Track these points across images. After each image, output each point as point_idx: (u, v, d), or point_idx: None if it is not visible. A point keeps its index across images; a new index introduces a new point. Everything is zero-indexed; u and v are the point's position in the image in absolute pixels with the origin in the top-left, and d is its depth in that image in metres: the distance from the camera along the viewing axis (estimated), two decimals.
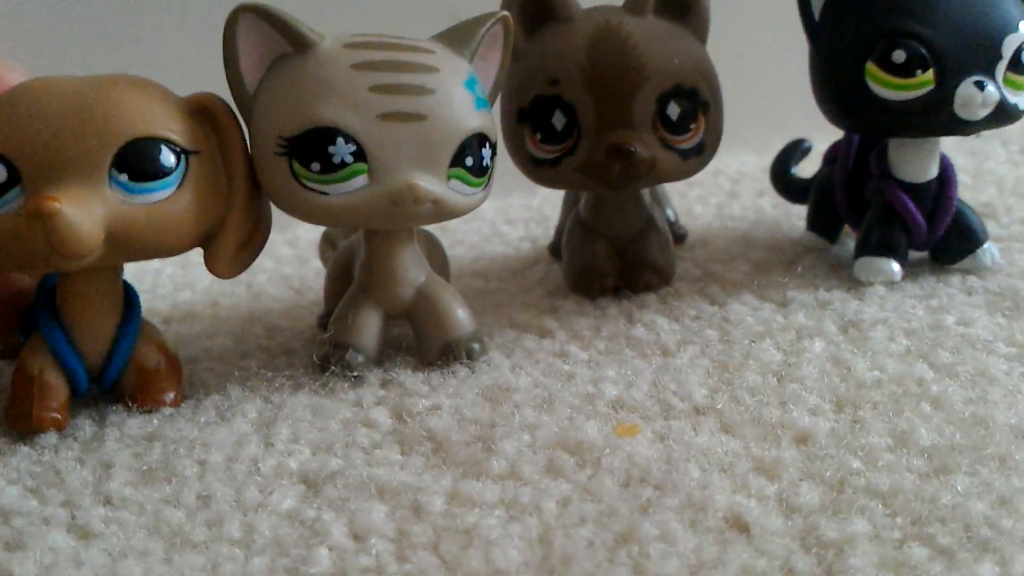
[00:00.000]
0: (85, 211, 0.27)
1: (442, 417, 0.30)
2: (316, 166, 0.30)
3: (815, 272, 0.39)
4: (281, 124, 0.30)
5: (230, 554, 0.25)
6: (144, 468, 0.28)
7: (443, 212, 0.31)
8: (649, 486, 0.26)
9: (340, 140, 0.29)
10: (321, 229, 0.41)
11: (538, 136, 0.36)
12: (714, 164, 0.38)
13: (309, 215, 0.31)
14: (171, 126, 0.29)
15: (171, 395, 0.31)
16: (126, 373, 0.31)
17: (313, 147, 0.30)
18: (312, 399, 0.32)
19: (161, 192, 0.28)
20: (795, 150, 0.45)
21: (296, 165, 0.30)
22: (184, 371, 0.33)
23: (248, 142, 0.31)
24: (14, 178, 0.28)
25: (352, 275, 0.35)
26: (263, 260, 0.45)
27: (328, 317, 0.36)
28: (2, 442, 0.30)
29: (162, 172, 0.28)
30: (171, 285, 0.43)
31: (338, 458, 0.28)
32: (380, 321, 0.33)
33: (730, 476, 0.26)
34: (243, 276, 0.43)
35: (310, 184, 0.30)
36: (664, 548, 0.24)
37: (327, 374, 0.33)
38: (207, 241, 0.30)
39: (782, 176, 0.44)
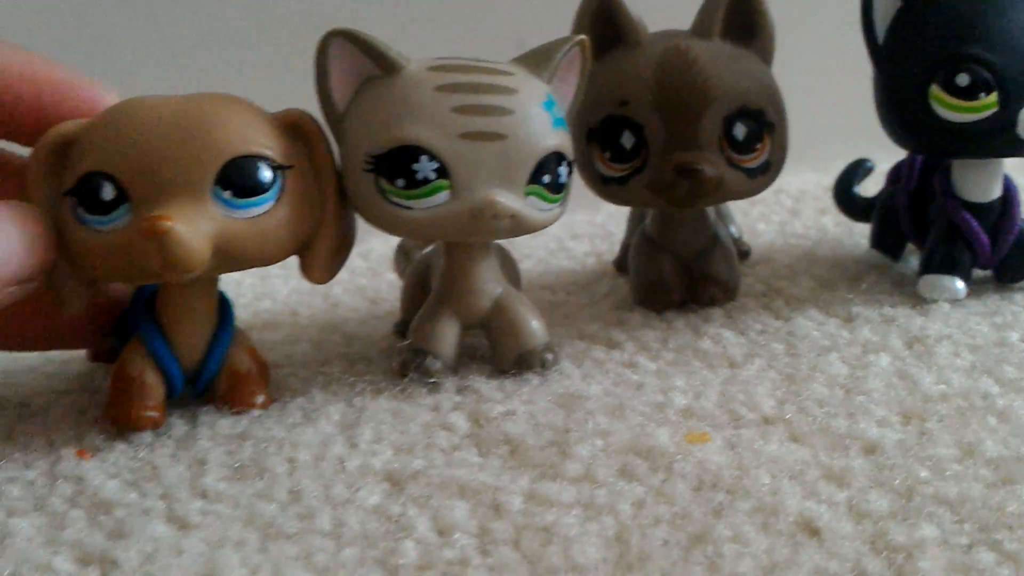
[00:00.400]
0: (194, 228, 0.29)
1: (517, 422, 0.31)
2: (401, 182, 0.31)
3: (879, 288, 0.40)
4: (369, 142, 0.32)
5: (322, 545, 0.26)
6: (236, 465, 0.30)
7: (521, 227, 0.32)
8: (721, 491, 0.27)
9: (424, 158, 0.31)
10: (395, 242, 0.43)
11: (607, 155, 0.37)
12: (776, 183, 0.39)
13: (393, 228, 0.32)
14: (267, 143, 0.30)
15: (261, 398, 0.33)
16: (219, 376, 0.33)
17: (398, 164, 0.31)
18: (392, 403, 0.33)
19: (262, 206, 0.30)
20: (858, 169, 0.46)
21: (382, 181, 0.31)
22: (271, 375, 0.35)
23: (337, 157, 0.32)
24: (121, 196, 0.29)
25: (428, 285, 0.36)
26: (339, 272, 0.47)
27: (404, 325, 0.38)
28: (100, 439, 0.32)
29: (261, 188, 0.30)
30: (251, 295, 0.45)
31: (419, 458, 0.30)
32: (457, 330, 0.35)
33: (800, 483, 0.27)
34: (319, 287, 0.45)
35: (395, 199, 0.31)
36: (738, 549, 0.25)
37: (405, 380, 0.34)
38: (302, 249, 0.32)
39: (845, 195, 0.45)
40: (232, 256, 0.30)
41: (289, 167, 0.31)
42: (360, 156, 0.32)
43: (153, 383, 0.32)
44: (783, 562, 0.24)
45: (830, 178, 0.46)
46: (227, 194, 0.29)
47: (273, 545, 0.26)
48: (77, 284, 0.31)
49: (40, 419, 0.34)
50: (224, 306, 0.33)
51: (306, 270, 0.32)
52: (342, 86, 0.32)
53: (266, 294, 0.45)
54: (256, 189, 0.30)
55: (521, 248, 0.48)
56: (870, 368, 0.33)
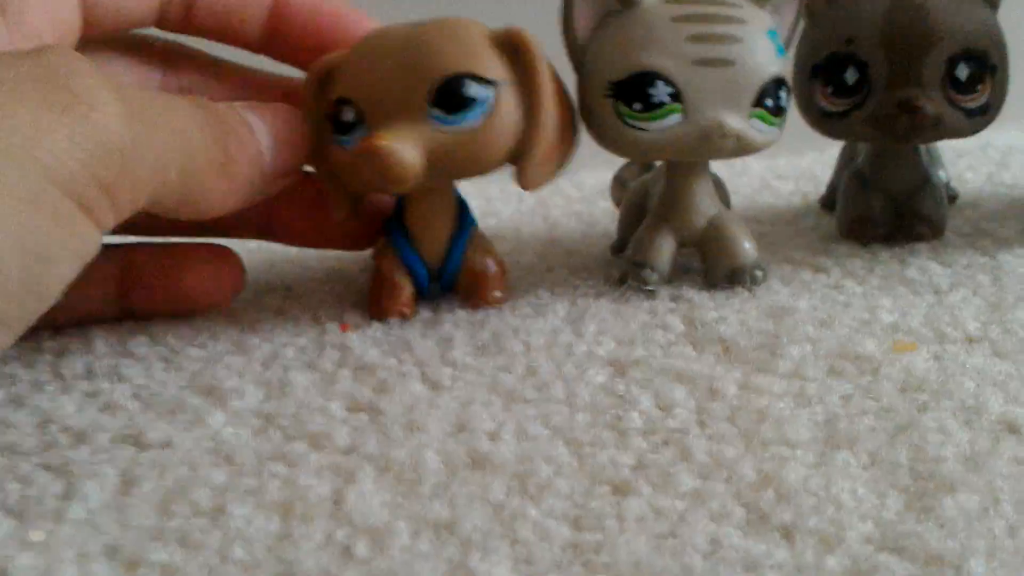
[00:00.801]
0: (409, 144, 0.32)
1: (730, 325, 0.34)
2: (638, 106, 0.34)
3: None
4: (609, 70, 0.35)
5: (557, 410, 0.30)
6: (479, 344, 0.34)
7: (745, 147, 0.35)
8: (925, 392, 0.29)
9: (660, 83, 0.34)
10: (605, 175, 0.46)
11: (829, 90, 0.39)
12: (984, 137, 0.40)
13: (628, 149, 0.36)
14: (477, 62, 0.33)
15: (498, 294, 0.37)
16: (461, 274, 0.37)
17: (636, 89, 0.34)
18: (612, 305, 0.36)
19: (472, 121, 0.33)
20: None
21: (621, 106, 0.35)
22: None
23: (570, 82, 0.35)
24: (359, 118, 0.33)
25: (645, 209, 0.39)
26: (554, 197, 0.51)
27: (621, 245, 0.41)
28: (359, 318, 0.36)
29: (469, 103, 0.33)
30: (478, 213, 0.49)
31: (640, 349, 0.33)
32: (674, 246, 0.37)
33: (1003, 390, 0.29)
34: (539, 209, 0.49)
35: (632, 122, 0.35)
36: (941, 438, 0.27)
37: (623, 288, 0.37)
38: (516, 159, 0.34)
39: None
40: (447, 168, 0.33)
41: (501, 82, 0.33)
42: (601, 83, 0.35)
43: (402, 281, 0.36)
44: (984, 451, 0.26)
45: None
46: (438, 111, 0.32)
47: (515, 406, 0.30)
48: (341, 192, 0.36)
49: (305, 300, 0.39)
50: (463, 212, 0.37)
51: (517, 176, 0.34)
52: (585, 20, 0.36)
53: (491, 213, 0.49)
54: (464, 104, 0.32)
55: (727, 184, 0.50)
56: None
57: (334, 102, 0.34)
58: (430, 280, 0.37)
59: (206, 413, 0.30)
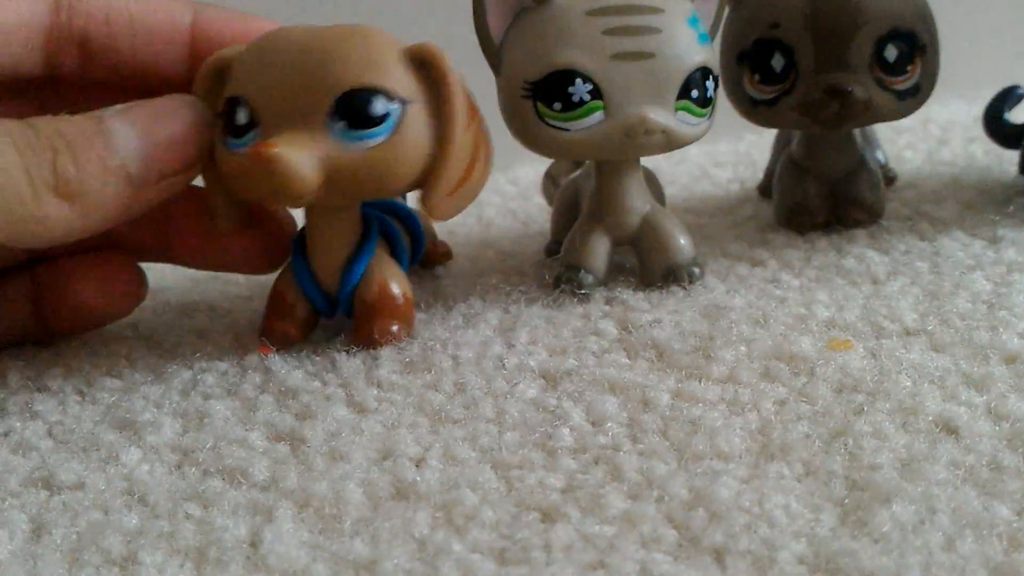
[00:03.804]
0: (304, 156, 0.29)
1: (664, 329, 0.33)
2: (558, 105, 0.33)
3: None
4: (525, 70, 0.33)
5: (486, 429, 0.28)
6: (406, 360, 0.32)
7: (672, 142, 0.34)
8: (861, 393, 0.28)
9: (578, 81, 0.33)
10: (542, 169, 0.45)
11: (756, 77, 0.38)
12: (923, 113, 0.39)
13: (552, 150, 0.35)
14: (386, 76, 0.30)
15: (395, 328, 0.33)
16: (354, 303, 0.33)
17: (555, 89, 0.33)
18: (545, 311, 0.35)
19: (376, 139, 0.30)
20: (1009, 96, 0.45)
21: (540, 106, 0.33)
22: (430, 285, 0.37)
23: (464, 92, 0.32)
24: (253, 121, 0.31)
25: (577, 207, 0.38)
26: (490, 196, 0.50)
27: (555, 245, 0.40)
28: None
29: (375, 120, 0.30)
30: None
31: (572, 359, 0.32)
32: (608, 246, 0.36)
33: (940, 387, 0.28)
34: (472, 209, 0.48)
35: (553, 122, 0.33)
36: (877, 443, 0.26)
37: (557, 291, 0.36)
38: (423, 183, 0.32)
39: (995, 121, 0.45)
40: (345, 186, 0.30)
41: (409, 101, 0.31)
42: (518, 84, 0.34)
43: (294, 302, 0.34)
44: (921, 456, 0.25)
45: (979, 108, 0.46)
46: (341, 125, 0.30)
47: (443, 428, 0.29)
48: (226, 201, 0.33)
49: (228, 319, 0.37)
50: (367, 233, 0.34)
51: (425, 204, 0.32)
52: (498, 20, 0.34)
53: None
54: (369, 121, 0.30)
55: (664, 174, 0.49)
56: (1015, 286, 0.34)
57: (227, 100, 0.31)
58: (330, 304, 0.34)
59: (120, 450, 0.29)
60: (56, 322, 0.36)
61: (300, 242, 0.34)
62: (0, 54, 0.31)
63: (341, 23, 0.32)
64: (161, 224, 0.35)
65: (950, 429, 0.26)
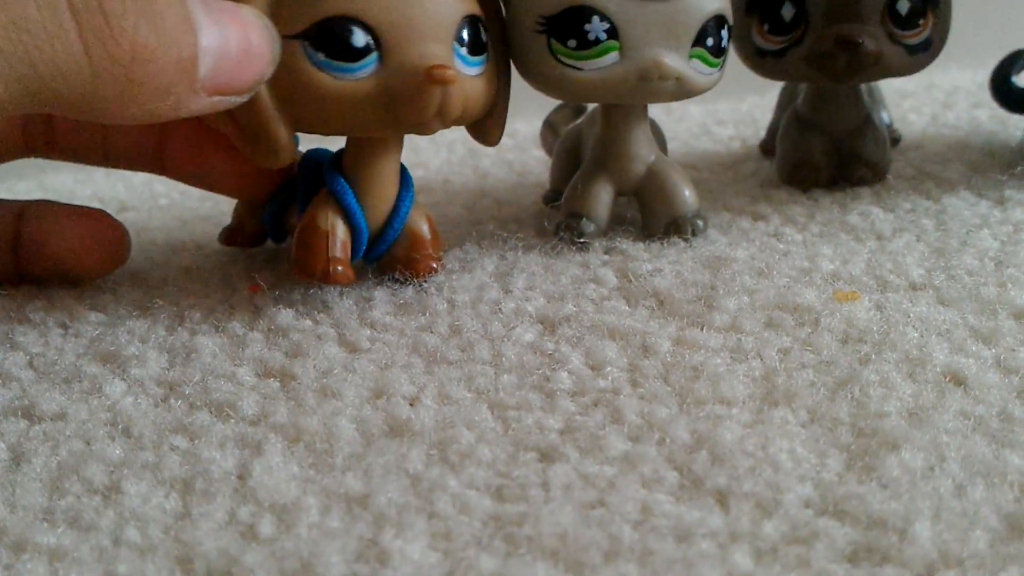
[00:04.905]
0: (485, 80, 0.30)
1: (665, 278, 0.32)
2: (572, 43, 0.32)
3: None
4: (541, 3, 0.32)
5: (482, 371, 0.28)
6: (400, 302, 0.32)
7: (684, 89, 0.33)
8: (867, 343, 0.28)
9: (596, 18, 0.32)
10: (538, 123, 0.44)
11: (765, 27, 0.37)
12: (928, 78, 0.39)
13: (560, 90, 0.34)
14: (481, 8, 0.31)
15: (435, 264, 0.33)
16: (400, 238, 0.33)
17: (570, 25, 0.32)
18: (543, 259, 0.34)
19: (483, 66, 0.31)
20: (1017, 60, 0.44)
21: (553, 42, 0.32)
22: None
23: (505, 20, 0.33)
24: (373, 44, 0.29)
25: (578, 156, 0.37)
26: (485, 147, 0.49)
27: (554, 195, 0.39)
28: (271, 278, 0.34)
29: (484, 47, 0.31)
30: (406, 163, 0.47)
31: (570, 305, 0.31)
32: (611, 195, 0.36)
33: (947, 340, 0.28)
34: (469, 159, 0.47)
35: (566, 60, 0.32)
36: (884, 392, 0.25)
37: (556, 239, 0.35)
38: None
39: (1002, 85, 0.44)
40: (462, 113, 0.30)
41: (491, 32, 0.31)
42: (532, 17, 0.32)
43: (344, 238, 0.31)
44: (929, 405, 0.25)
45: (984, 75, 0.45)
46: (464, 51, 0.30)
47: (437, 369, 0.28)
48: (281, 132, 0.30)
49: (215, 258, 0.36)
50: (404, 171, 0.33)
51: (485, 132, 0.33)
52: None
53: (419, 163, 0.47)
54: (481, 48, 0.31)
55: (665, 130, 0.49)
56: (1022, 244, 0.33)
57: (321, 21, 0.28)
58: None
59: (104, 382, 0.28)
60: (32, 272, 0.34)
61: (339, 177, 0.32)
62: None
63: None
64: (160, 130, 0.34)
65: (958, 380, 0.26)
